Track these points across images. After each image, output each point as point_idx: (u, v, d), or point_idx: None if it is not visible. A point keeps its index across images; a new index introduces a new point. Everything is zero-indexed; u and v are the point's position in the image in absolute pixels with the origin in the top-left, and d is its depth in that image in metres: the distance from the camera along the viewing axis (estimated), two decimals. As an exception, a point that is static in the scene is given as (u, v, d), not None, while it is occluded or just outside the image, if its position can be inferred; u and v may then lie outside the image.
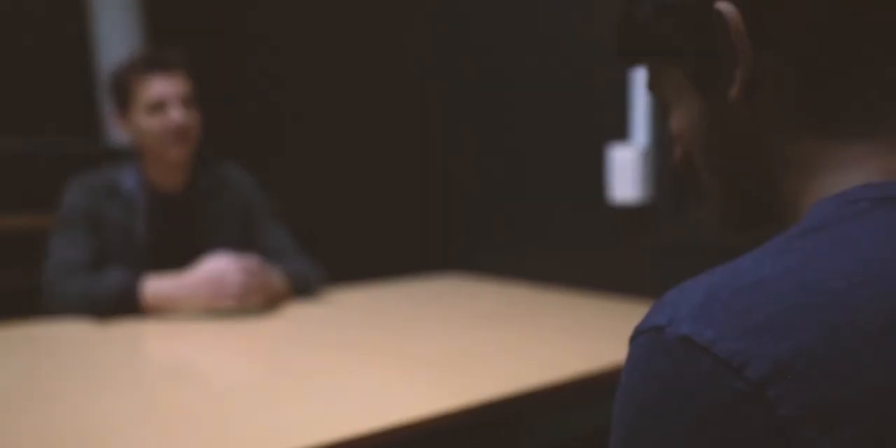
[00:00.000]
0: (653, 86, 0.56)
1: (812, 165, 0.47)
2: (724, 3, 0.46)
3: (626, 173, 1.54)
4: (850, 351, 0.34)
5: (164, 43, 2.73)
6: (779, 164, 0.48)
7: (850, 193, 0.43)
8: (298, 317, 1.44)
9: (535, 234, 1.80)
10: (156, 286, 1.43)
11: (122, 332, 1.33)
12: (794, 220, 0.49)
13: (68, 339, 1.29)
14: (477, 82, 1.89)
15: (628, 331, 1.29)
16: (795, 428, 0.34)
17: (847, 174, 0.45)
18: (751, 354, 0.35)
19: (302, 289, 1.60)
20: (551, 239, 1.76)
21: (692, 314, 0.38)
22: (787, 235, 0.42)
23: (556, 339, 1.24)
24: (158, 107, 1.52)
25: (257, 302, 1.46)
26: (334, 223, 2.46)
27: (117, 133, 1.62)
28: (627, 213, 1.60)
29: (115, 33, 2.58)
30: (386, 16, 2.13)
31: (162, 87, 1.52)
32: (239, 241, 1.67)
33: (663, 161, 1.52)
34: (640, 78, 1.50)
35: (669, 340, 0.37)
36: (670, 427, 0.37)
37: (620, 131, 1.58)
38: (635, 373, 0.39)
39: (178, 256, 1.60)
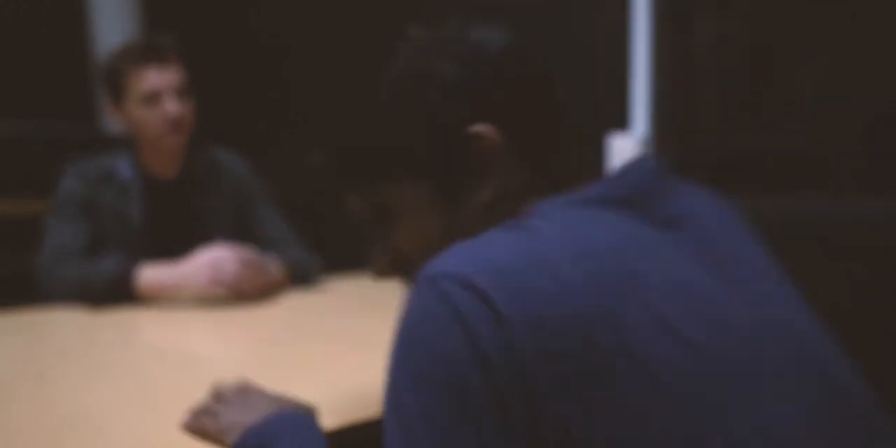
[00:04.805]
0: (375, 212, 0.64)
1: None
2: (483, 125, 0.59)
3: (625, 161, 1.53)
4: (555, 295, 0.50)
5: (161, 30, 2.71)
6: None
7: (555, 199, 0.59)
8: (296, 305, 1.43)
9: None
10: (151, 273, 1.42)
11: (117, 320, 1.32)
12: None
13: (63, 326, 1.28)
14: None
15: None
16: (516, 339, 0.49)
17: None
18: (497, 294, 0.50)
19: (300, 278, 1.59)
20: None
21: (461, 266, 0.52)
22: (517, 221, 0.56)
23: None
24: (152, 98, 1.50)
25: (252, 293, 1.45)
26: (337, 214, 2.45)
27: (112, 122, 1.60)
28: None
29: (113, 19, 2.56)
30: (386, 13, 2.12)
31: (155, 78, 1.49)
32: (235, 228, 1.66)
33: (662, 150, 1.51)
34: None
35: (437, 281, 0.51)
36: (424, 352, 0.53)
37: (621, 120, 1.57)
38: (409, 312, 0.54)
39: (174, 243, 1.59)
